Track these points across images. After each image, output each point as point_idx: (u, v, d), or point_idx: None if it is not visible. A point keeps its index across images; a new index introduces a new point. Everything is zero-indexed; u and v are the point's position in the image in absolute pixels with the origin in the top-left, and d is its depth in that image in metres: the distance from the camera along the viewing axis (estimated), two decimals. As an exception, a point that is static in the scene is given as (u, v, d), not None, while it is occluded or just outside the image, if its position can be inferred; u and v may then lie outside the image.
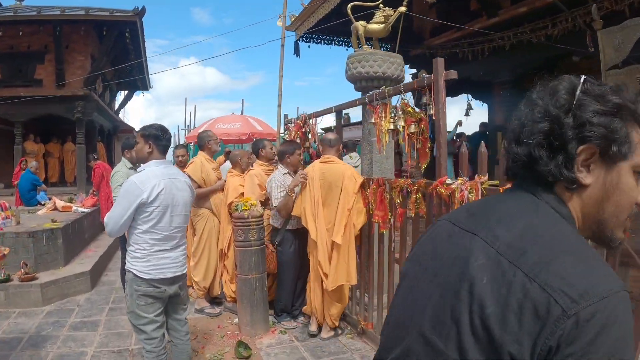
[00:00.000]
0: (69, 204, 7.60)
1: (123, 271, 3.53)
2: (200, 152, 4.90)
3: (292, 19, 9.13)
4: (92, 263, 6.06)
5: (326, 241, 3.86)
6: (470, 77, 8.69)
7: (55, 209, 7.29)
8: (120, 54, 13.84)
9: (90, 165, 9.47)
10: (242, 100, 52.09)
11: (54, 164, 13.80)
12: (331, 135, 4.21)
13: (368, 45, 4.53)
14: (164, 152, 2.86)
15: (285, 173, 4.27)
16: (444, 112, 2.94)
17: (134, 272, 2.68)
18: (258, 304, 4.12)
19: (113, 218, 2.64)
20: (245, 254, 4.07)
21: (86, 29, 12.19)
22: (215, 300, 5.00)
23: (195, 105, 76.37)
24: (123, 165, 4.53)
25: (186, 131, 18.98)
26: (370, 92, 3.75)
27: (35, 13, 11.39)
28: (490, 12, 7.72)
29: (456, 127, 9.31)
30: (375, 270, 3.91)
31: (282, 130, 6.73)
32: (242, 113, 15.46)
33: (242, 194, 4.53)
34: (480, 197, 2.43)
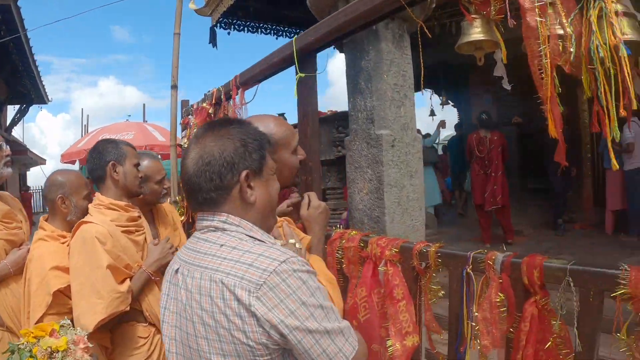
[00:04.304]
0: None
1: None
2: None
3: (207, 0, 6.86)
4: None
5: None
6: (447, 61, 6.82)
7: None
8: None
9: None
10: (144, 104, 32.37)
11: None
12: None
13: None
14: None
15: None
16: None
17: None
18: None
19: None
20: None
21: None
22: None
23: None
24: None
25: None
26: None
27: None
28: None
29: (438, 129, 7.55)
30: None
31: (179, 130, 4.01)
32: (144, 120, 12.62)
33: (67, 293, 1.90)
34: None
